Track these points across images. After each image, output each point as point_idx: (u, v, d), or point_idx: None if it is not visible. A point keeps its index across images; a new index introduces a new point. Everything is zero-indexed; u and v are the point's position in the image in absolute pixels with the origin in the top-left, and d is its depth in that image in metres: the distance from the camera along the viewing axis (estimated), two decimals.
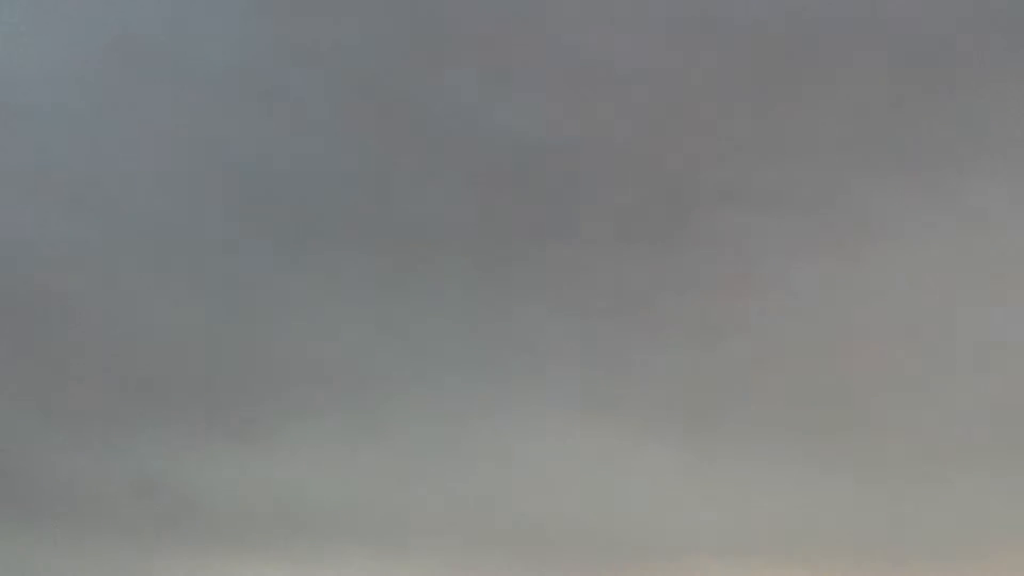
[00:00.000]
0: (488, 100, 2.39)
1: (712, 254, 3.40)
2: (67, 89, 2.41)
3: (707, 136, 2.65)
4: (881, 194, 3.06)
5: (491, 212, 3.17)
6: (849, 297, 3.54)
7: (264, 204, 3.07)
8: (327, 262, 3.49)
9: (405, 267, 3.58)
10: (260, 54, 2.28)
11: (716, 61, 2.22)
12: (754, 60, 2.22)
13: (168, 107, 2.48)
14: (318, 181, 2.94)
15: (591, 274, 3.65)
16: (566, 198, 3.06)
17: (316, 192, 3.01)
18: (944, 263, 3.43)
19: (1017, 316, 3.62)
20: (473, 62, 2.24)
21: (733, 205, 3.05)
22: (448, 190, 2.94)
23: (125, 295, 3.48)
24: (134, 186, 2.91)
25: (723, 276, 3.50)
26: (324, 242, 3.32)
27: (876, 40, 2.20)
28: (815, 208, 3.16)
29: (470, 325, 4.05)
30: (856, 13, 2.11)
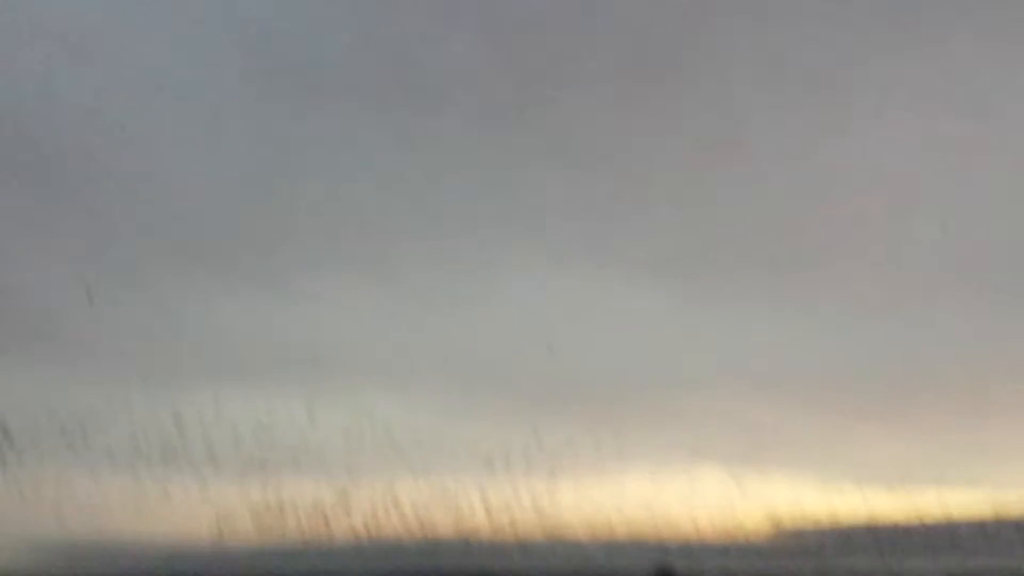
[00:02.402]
0: None
1: (705, 112, 3.58)
2: None
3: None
4: (866, 51, 3.21)
5: (495, 72, 3.34)
6: (833, 150, 3.73)
7: (278, 64, 3.23)
8: (339, 120, 3.67)
9: (413, 124, 3.77)
10: None
11: None
12: None
13: None
14: (329, 41, 3.08)
15: (590, 131, 3.84)
16: (567, 58, 3.22)
17: (327, 52, 3.16)
18: (922, 115, 3.62)
19: (985, 161, 3.83)
20: None
21: (725, 67, 3.21)
22: (455, 50, 3.09)
23: (147, 152, 3.67)
24: (152, 46, 3.06)
25: (715, 132, 3.69)
26: (336, 100, 3.49)
27: None
28: (803, 67, 3.31)
29: (474, 179, 4.26)
30: None
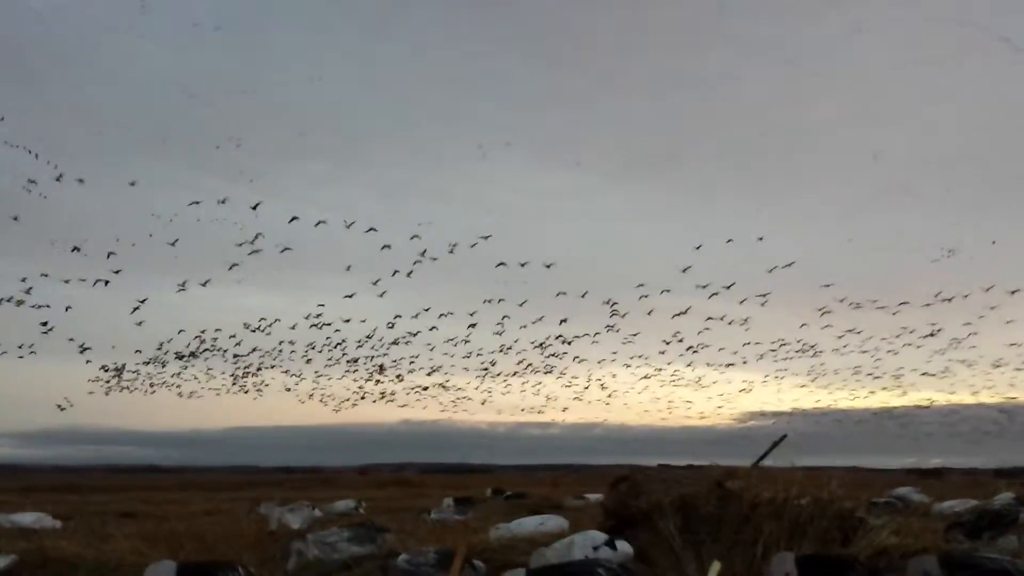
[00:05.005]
0: None
1: (676, 9, 3.52)
2: None
3: None
4: None
5: None
6: (804, 53, 3.69)
7: None
8: (315, 12, 3.56)
9: (385, 14, 3.67)
10: None
11: None
12: None
13: None
14: None
15: (560, 23, 3.76)
16: None
17: None
18: (898, 22, 3.58)
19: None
20: None
21: None
22: None
23: (120, 38, 3.54)
24: None
25: (686, 30, 3.63)
26: None
27: None
28: None
29: (446, 73, 4.18)
30: None
